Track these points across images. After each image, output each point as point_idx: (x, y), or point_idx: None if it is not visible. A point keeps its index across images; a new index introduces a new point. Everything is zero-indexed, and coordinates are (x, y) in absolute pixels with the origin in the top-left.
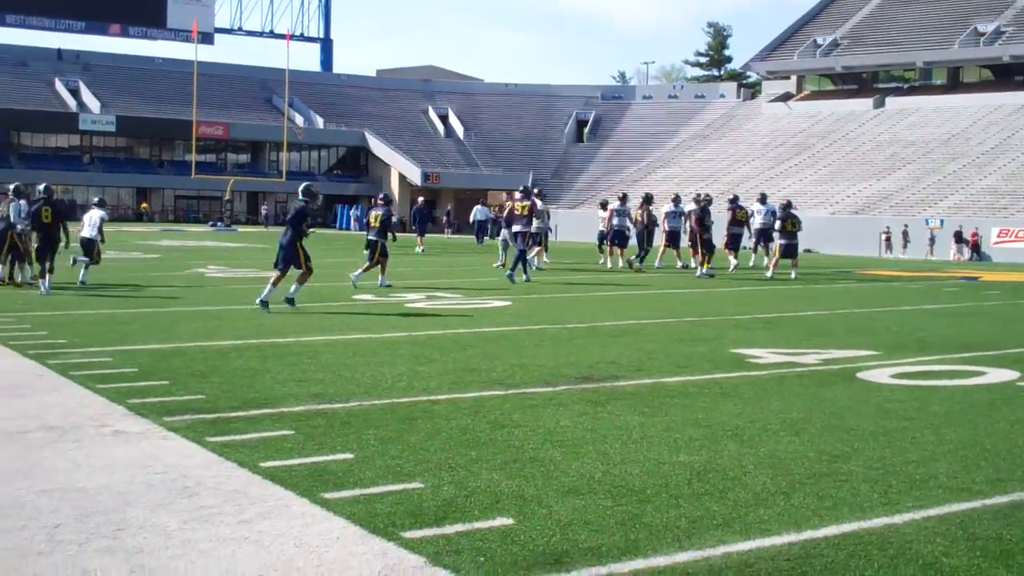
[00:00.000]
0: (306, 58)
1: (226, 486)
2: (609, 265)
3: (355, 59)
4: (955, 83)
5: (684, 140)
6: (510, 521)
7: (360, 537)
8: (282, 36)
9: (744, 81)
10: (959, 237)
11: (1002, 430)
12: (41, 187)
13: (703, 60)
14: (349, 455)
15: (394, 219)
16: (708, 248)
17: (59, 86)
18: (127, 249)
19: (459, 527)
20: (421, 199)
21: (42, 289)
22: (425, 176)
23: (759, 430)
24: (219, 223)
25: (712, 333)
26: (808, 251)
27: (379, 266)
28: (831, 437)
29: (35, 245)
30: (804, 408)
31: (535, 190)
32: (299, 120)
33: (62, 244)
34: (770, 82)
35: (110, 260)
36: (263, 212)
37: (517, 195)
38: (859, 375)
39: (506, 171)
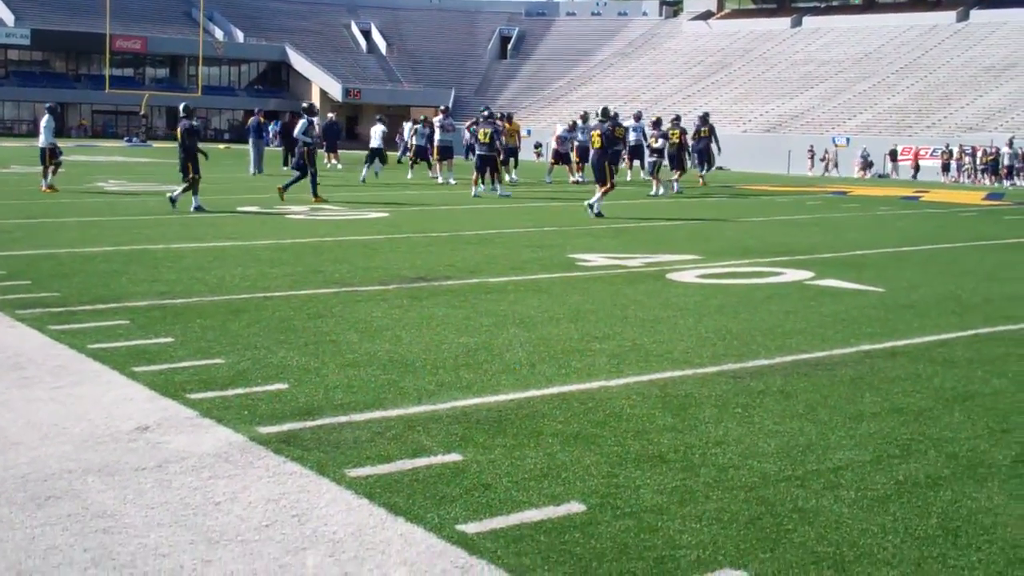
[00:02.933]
0: None
1: (52, 363)
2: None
3: None
4: (871, 3)
5: (606, 58)
6: (285, 386)
7: (150, 398)
8: None
9: None
10: (893, 156)
11: (757, 319)
12: (180, 107)
13: None
14: (171, 339)
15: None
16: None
17: None
18: (33, 163)
19: (239, 390)
20: (331, 115)
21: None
22: (346, 92)
23: (546, 319)
24: (134, 138)
25: (561, 241)
26: (720, 168)
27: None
28: (603, 324)
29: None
30: (598, 302)
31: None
32: (219, 34)
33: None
34: (692, 0)
35: (9, 173)
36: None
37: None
38: (669, 275)
39: (428, 88)
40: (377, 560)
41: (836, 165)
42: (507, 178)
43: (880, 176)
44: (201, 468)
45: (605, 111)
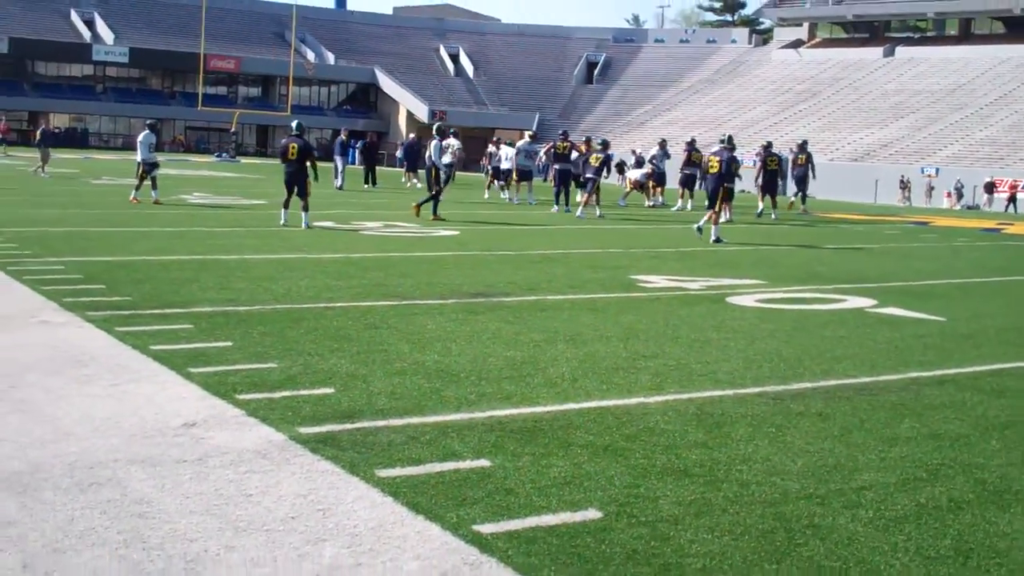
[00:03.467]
0: None
1: (113, 361)
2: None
3: None
4: (966, 34)
5: (692, 84)
6: (331, 390)
7: (201, 397)
8: None
9: (757, 27)
10: (989, 188)
11: (808, 344)
12: (293, 124)
13: (717, 5)
14: (229, 343)
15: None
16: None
17: (74, 17)
18: (124, 176)
19: (286, 393)
20: (412, 135)
21: (304, 223)
22: (432, 113)
23: (596, 337)
24: (224, 154)
25: (625, 262)
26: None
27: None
28: (652, 343)
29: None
30: (651, 322)
31: (532, 133)
32: (310, 56)
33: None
34: (782, 29)
35: (101, 184)
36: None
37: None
38: (729, 299)
39: (512, 111)
40: (392, 553)
41: (929, 195)
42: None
43: (969, 207)
44: (239, 463)
45: (730, 139)
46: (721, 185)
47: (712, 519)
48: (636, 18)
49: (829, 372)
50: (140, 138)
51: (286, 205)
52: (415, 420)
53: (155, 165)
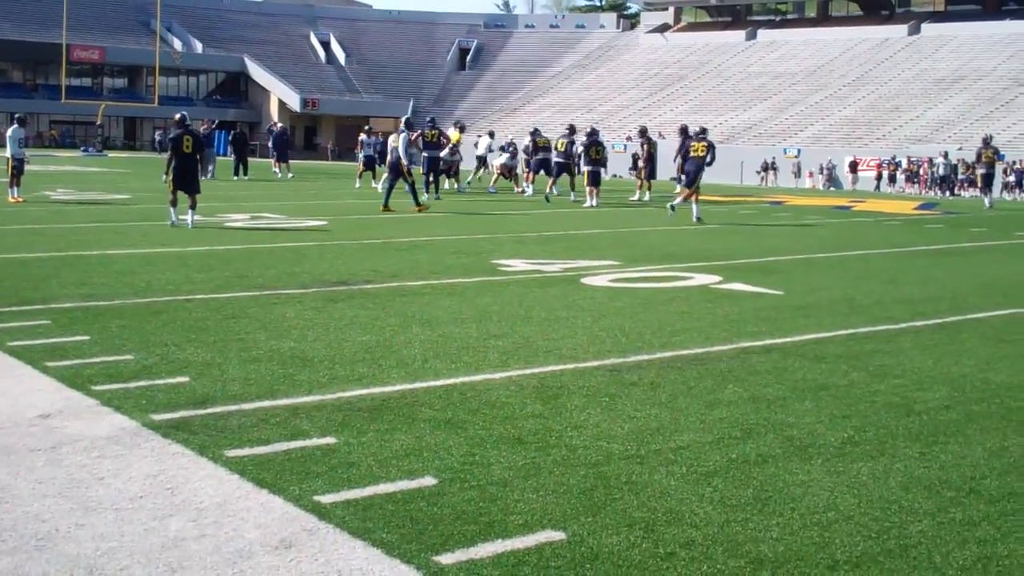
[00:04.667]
0: None
1: None
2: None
3: None
4: (824, 16)
5: (563, 70)
6: (186, 379)
7: (57, 389)
8: None
9: (624, 12)
10: (853, 167)
11: (651, 319)
12: (178, 116)
13: None
14: (87, 337)
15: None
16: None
17: None
18: None
19: (142, 383)
20: (280, 124)
21: (174, 220)
22: (304, 102)
23: (450, 319)
24: (90, 148)
25: (489, 247)
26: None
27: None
28: (503, 323)
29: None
30: (506, 304)
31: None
32: (177, 44)
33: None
34: (649, 13)
35: None
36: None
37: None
38: (583, 280)
39: (387, 98)
40: (234, 524)
41: (797, 175)
42: (456, 187)
43: (832, 188)
44: (92, 449)
45: (703, 129)
46: (698, 168)
47: (539, 480)
48: (506, 3)
49: (666, 345)
50: (8, 133)
51: (175, 203)
52: (266, 404)
53: (22, 161)
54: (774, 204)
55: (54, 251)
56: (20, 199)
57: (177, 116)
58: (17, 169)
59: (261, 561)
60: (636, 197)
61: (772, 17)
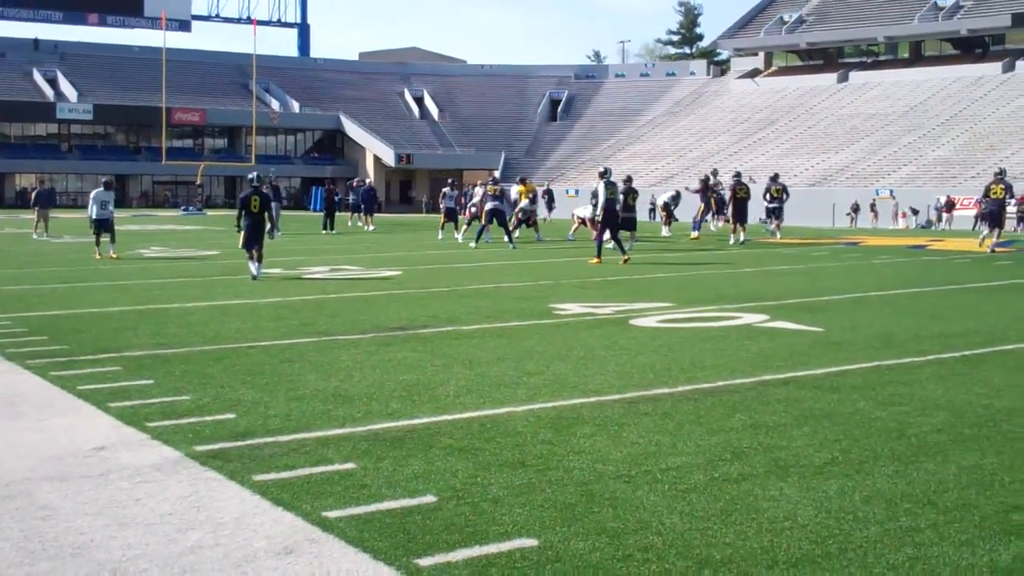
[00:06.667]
0: (285, 44)
1: (42, 400)
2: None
3: (339, 43)
4: (917, 57)
5: (654, 117)
6: (232, 415)
7: (115, 426)
8: (259, 23)
9: (715, 59)
10: (950, 207)
11: (685, 356)
12: (252, 176)
13: (675, 38)
14: (150, 381)
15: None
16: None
17: (37, 76)
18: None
19: (192, 419)
20: (368, 180)
21: (254, 273)
22: (398, 157)
23: (493, 359)
24: (190, 207)
25: (549, 293)
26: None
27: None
28: (541, 363)
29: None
30: (550, 345)
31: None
32: (275, 105)
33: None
34: (739, 59)
35: (65, 244)
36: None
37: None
38: (632, 321)
39: (479, 151)
40: (246, 536)
41: (895, 217)
42: (535, 236)
43: (922, 227)
44: (135, 476)
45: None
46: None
47: (529, 497)
48: (597, 54)
49: (690, 379)
50: (92, 195)
51: (252, 256)
52: (300, 436)
53: (100, 222)
54: (849, 245)
55: (137, 305)
56: (106, 255)
57: (250, 176)
58: (99, 229)
59: (264, 564)
60: (732, 241)
61: (864, 59)
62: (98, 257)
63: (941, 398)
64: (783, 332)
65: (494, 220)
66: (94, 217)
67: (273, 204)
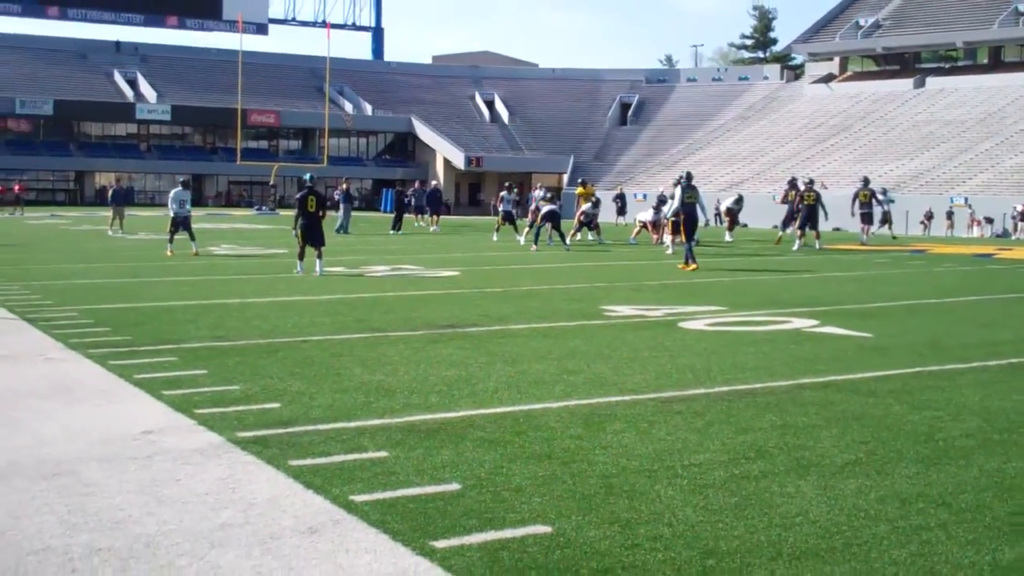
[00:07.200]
0: (359, 47)
1: (99, 387)
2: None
3: (413, 46)
4: (996, 62)
5: (725, 122)
6: (277, 405)
7: (165, 412)
8: (333, 26)
9: (789, 63)
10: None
11: (726, 358)
12: (307, 176)
13: (749, 43)
14: (204, 371)
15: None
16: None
17: (117, 77)
18: (162, 231)
19: (239, 407)
20: (435, 182)
21: (317, 271)
22: (468, 160)
23: (535, 358)
24: (263, 207)
25: (602, 295)
26: (837, 229)
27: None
28: (583, 362)
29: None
30: (594, 345)
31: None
32: (348, 107)
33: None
34: (813, 64)
35: (135, 240)
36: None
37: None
38: (681, 324)
39: (548, 154)
40: (275, 515)
41: (971, 226)
42: (597, 239)
43: (998, 236)
44: (178, 458)
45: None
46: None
47: (549, 488)
48: (669, 58)
49: (728, 380)
50: (171, 194)
51: (302, 256)
52: (340, 425)
53: (179, 220)
54: (914, 252)
55: (200, 299)
56: (188, 252)
57: (305, 177)
58: (178, 226)
59: (288, 542)
60: (796, 247)
61: (942, 64)
62: (169, 254)
63: (977, 404)
64: (831, 337)
65: (549, 223)
66: (171, 215)
67: (343, 206)
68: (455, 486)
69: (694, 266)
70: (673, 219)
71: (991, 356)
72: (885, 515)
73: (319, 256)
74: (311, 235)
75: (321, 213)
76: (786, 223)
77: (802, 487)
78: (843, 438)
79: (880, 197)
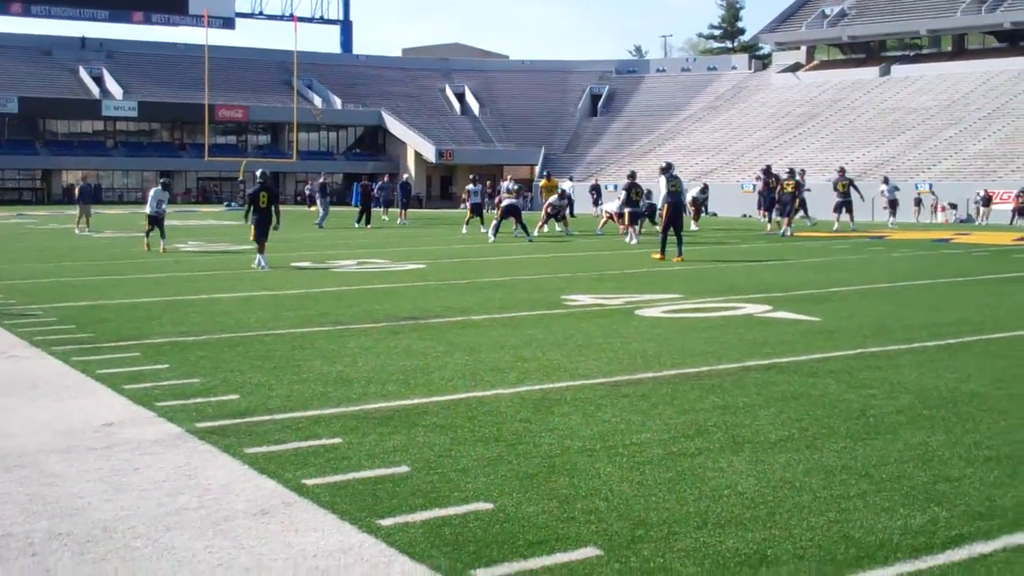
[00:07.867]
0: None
1: (61, 383)
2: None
3: (382, 39)
4: (960, 50)
5: (695, 112)
6: (236, 397)
7: (125, 406)
8: (301, 19)
9: (756, 53)
10: (987, 201)
11: (677, 344)
12: (258, 172)
13: (717, 33)
14: (166, 366)
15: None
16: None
17: (83, 74)
18: (130, 229)
19: (199, 400)
20: (407, 176)
21: (262, 264)
22: (439, 153)
23: (493, 346)
24: (232, 204)
25: (564, 285)
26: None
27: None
28: (539, 350)
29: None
30: (552, 334)
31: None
32: (317, 101)
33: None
34: (781, 53)
35: (105, 239)
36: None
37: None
38: (638, 312)
39: (519, 146)
40: (229, 499)
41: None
42: (565, 230)
43: (963, 221)
44: (137, 448)
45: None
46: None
47: (494, 468)
48: (639, 49)
49: (677, 364)
50: (151, 193)
51: (262, 249)
52: (296, 414)
53: (154, 218)
54: (874, 239)
55: (165, 296)
56: (155, 248)
57: (256, 172)
58: (154, 224)
59: (239, 523)
60: (782, 232)
61: (907, 52)
62: (146, 249)
63: (912, 382)
64: (781, 322)
65: (511, 216)
66: (149, 213)
67: (320, 200)
68: (404, 468)
69: (678, 259)
70: (630, 211)
71: (932, 337)
72: (809, 486)
73: (260, 250)
74: (264, 229)
75: (275, 208)
76: (770, 209)
77: (735, 462)
78: (779, 416)
79: (885, 187)
